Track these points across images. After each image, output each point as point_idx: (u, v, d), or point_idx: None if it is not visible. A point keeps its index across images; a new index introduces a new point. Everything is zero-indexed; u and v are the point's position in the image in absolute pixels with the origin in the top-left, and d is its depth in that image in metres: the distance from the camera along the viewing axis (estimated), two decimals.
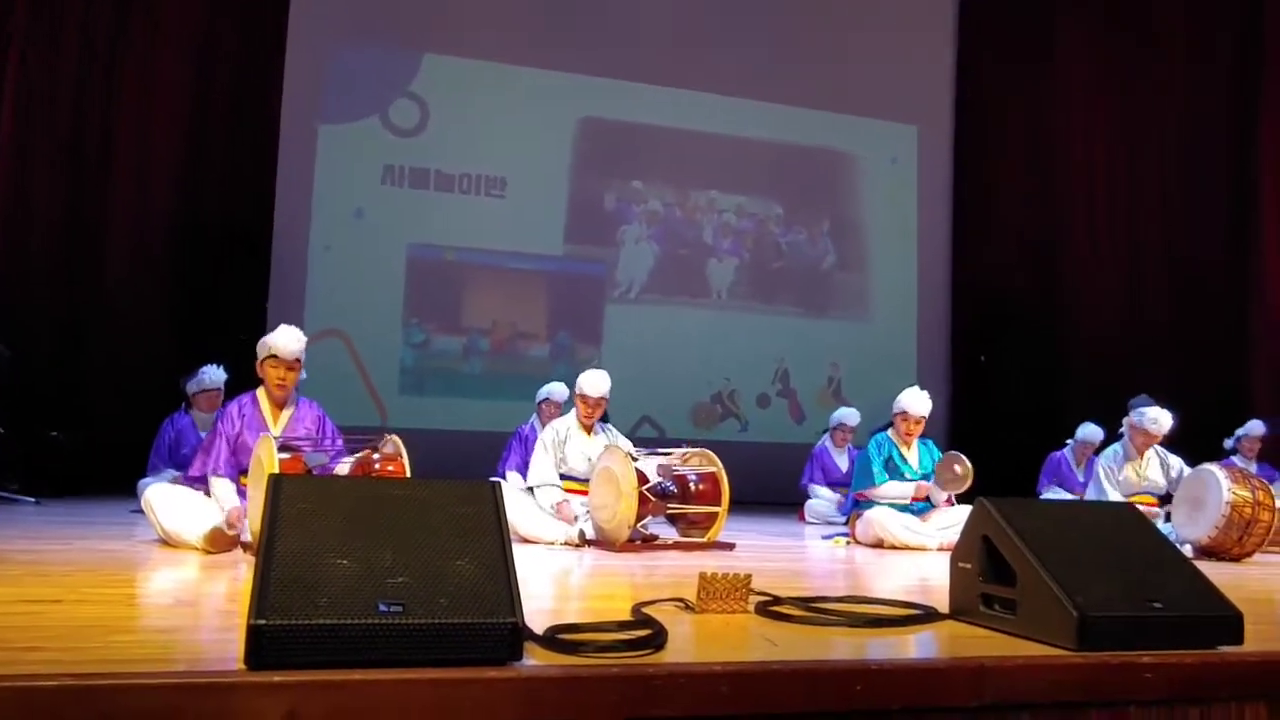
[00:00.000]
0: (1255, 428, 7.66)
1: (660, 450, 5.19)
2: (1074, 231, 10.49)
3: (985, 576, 2.43)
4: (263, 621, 1.67)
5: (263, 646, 1.66)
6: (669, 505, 4.82)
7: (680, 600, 2.63)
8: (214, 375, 6.36)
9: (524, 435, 6.99)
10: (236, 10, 8.70)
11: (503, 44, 9.58)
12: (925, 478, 5.39)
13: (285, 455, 3.83)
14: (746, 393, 10.08)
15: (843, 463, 7.72)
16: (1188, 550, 5.01)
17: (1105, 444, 6.12)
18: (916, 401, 5.50)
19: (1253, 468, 7.24)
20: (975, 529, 2.50)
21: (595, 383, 5.14)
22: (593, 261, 9.83)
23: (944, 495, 5.31)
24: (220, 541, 3.70)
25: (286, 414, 4.23)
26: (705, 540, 4.79)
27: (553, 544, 4.58)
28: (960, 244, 10.79)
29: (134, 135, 8.24)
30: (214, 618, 2.44)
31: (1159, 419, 5.65)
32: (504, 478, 6.37)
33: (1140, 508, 5.34)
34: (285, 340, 4.13)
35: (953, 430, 10.14)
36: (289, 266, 8.77)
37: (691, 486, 4.88)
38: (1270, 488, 5.17)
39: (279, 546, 1.85)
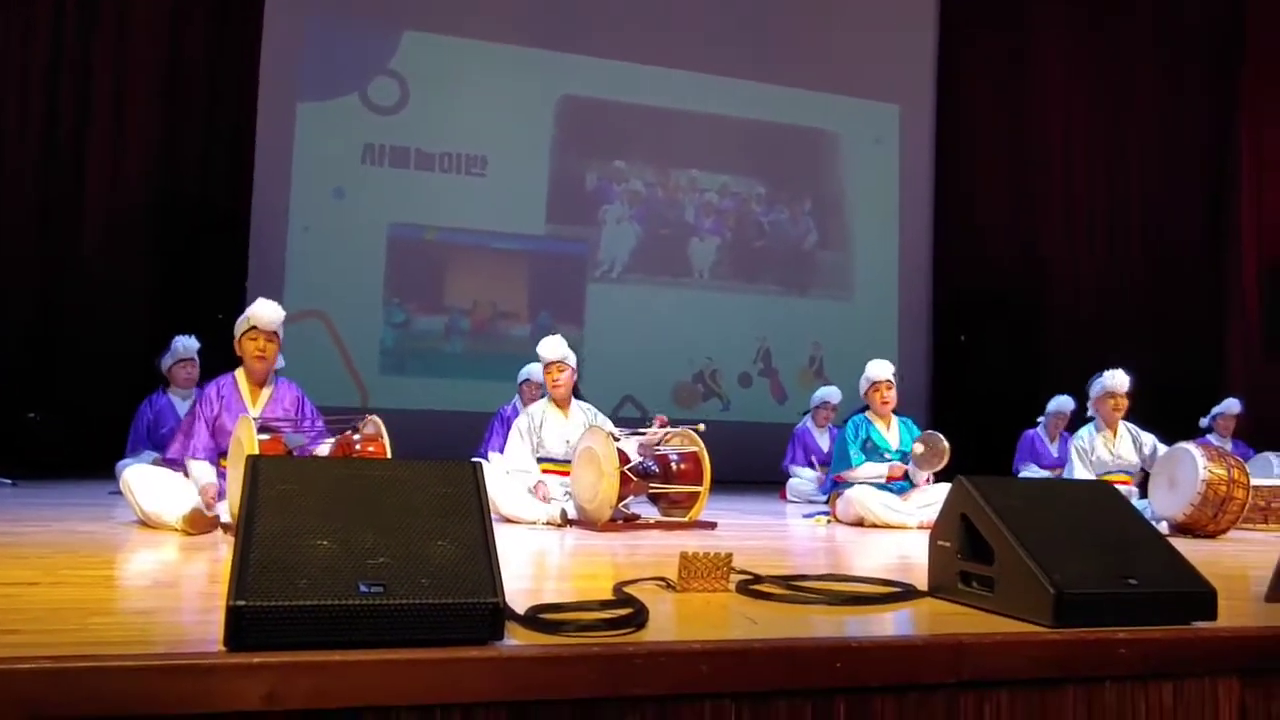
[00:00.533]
0: (1231, 406, 7.75)
1: (642, 430, 5.20)
2: (1053, 212, 10.54)
3: (963, 554, 2.45)
4: (242, 603, 1.67)
5: (242, 628, 1.65)
6: (651, 485, 4.83)
7: (662, 579, 2.64)
8: (186, 344, 6.31)
9: (506, 416, 6.97)
10: None
11: (483, 21, 9.49)
12: (904, 456, 5.42)
13: (265, 436, 3.81)
14: (728, 372, 10.10)
15: (824, 442, 7.75)
16: (1164, 527, 5.08)
17: (1076, 420, 6.18)
18: (878, 367, 5.57)
19: (1228, 445, 7.33)
20: (954, 507, 2.52)
21: (550, 346, 5.14)
22: (574, 241, 9.80)
23: (923, 474, 5.34)
24: (200, 523, 3.69)
25: (265, 394, 4.21)
26: (687, 520, 4.81)
27: (535, 524, 4.59)
28: (941, 223, 10.83)
29: (108, 114, 8.12)
30: (194, 599, 2.43)
31: (1115, 375, 5.76)
32: (486, 458, 6.35)
33: (1115, 486, 5.43)
34: (264, 310, 4.13)
35: (933, 409, 10.21)
36: (268, 246, 8.69)
37: (673, 466, 4.90)
38: (1245, 465, 5.23)
39: (258, 527, 1.84)
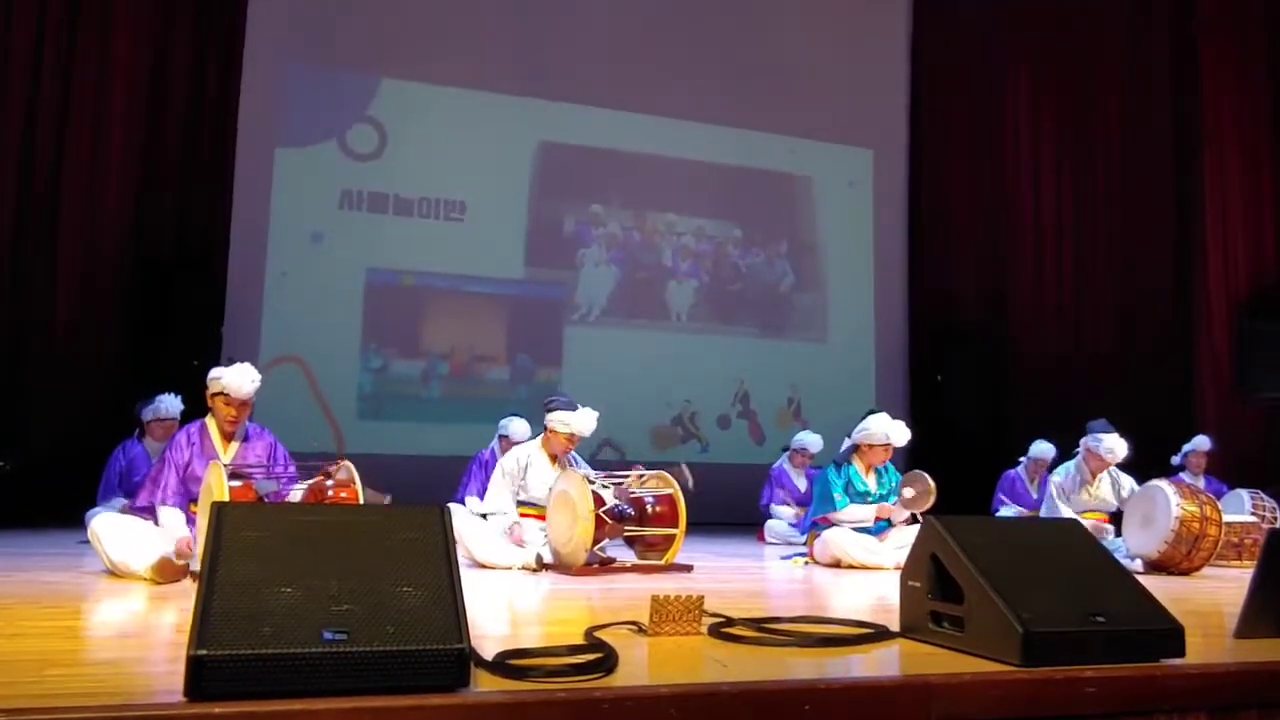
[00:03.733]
0: (1201, 443, 7.81)
1: (618, 474, 5.18)
2: (1024, 253, 10.67)
3: (934, 594, 2.46)
4: (204, 652, 1.65)
5: (203, 677, 1.64)
6: (626, 528, 4.81)
7: (634, 623, 2.62)
8: (170, 405, 6.27)
9: (484, 460, 6.95)
10: (190, 33, 8.61)
11: (461, 68, 9.60)
12: (884, 499, 5.42)
13: (236, 483, 3.78)
14: (707, 414, 10.12)
15: (800, 483, 7.76)
16: (1138, 565, 5.10)
17: (1057, 461, 6.21)
18: (899, 433, 5.38)
19: (1200, 483, 7.38)
20: (924, 547, 2.53)
21: (590, 424, 5.03)
22: (552, 284, 9.84)
23: (904, 514, 5.34)
24: (168, 571, 3.64)
25: (236, 443, 4.18)
26: (663, 562, 4.78)
27: (510, 569, 4.55)
28: (916, 265, 10.95)
29: (85, 156, 8.10)
30: (160, 649, 2.39)
31: (1114, 449, 5.71)
32: (464, 503, 6.32)
33: (1091, 523, 5.45)
34: (239, 380, 4.09)
35: (911, 449, 10.22)
36: (245, 291, 8.66)
37: (648, 509, 4.88)
38: (1217, 502, 5.27)
39: (221, 575, 1.83)
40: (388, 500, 4.04)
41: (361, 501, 3.90)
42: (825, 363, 10.51)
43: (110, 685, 1.89)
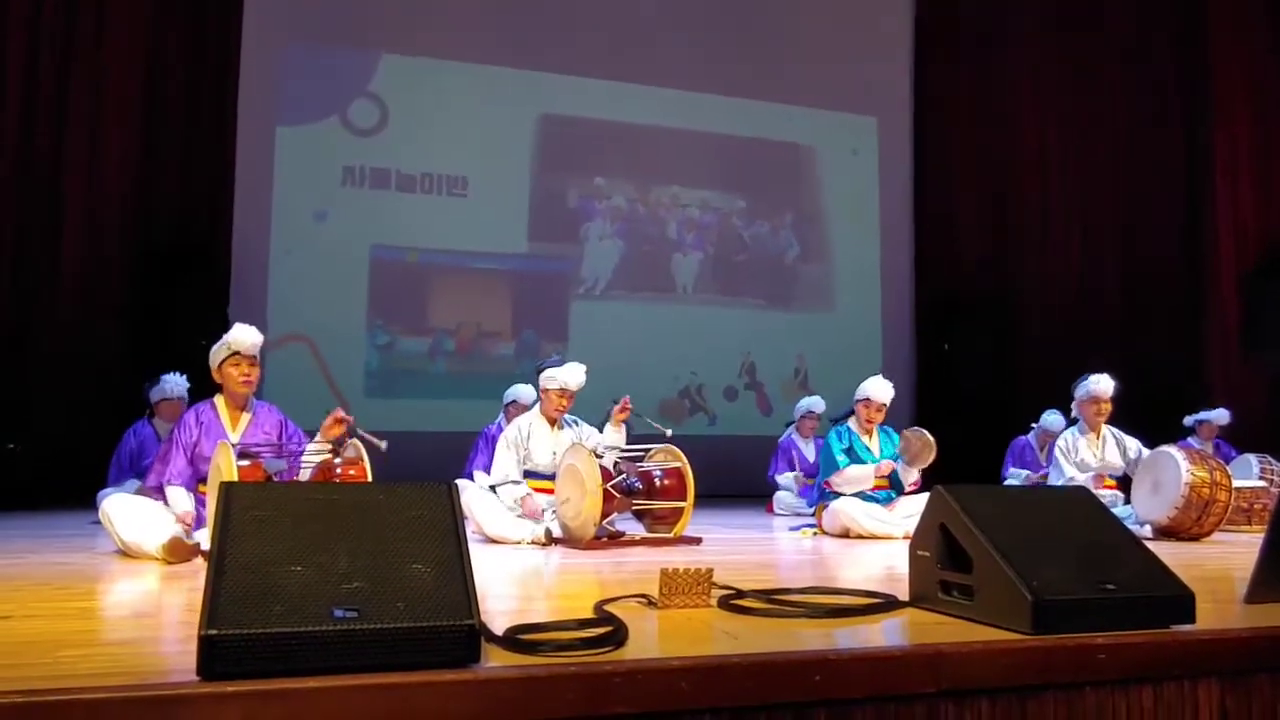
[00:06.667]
0: (1221, 416, 7.79)
1: (627, 448, 5.18)
2: (1030, 217, 10.60)
3: (943, 563, 2.45)
4: (215, 631, 1.66)
5: (215, 657, 1.64)
6: (634, 501, 4.82)
7: (643, 596, 2.63)
8: (175, 384, 6.29)
9: (491, 435, 6.94)
10: (188, 11, 8.56)
11: (461, 42, 9.52)
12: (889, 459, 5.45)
13: (244, 462, 3.79)
14: (714, 386, 10.11)
15: (810, 453, 7.75)
16: (1147, 531, 5.10)
17: None
18: (880, 388, 5.59)
19: (1209, 448, 7.37)
20: (932, 517, 2.52)
21: (577, 375, 5.09)
22: (557, 259, 9.81)
23: (913, 474, 5.35)
24: (180, 551, 3.65)
25: (245, 419, 4.19)
26: (672, 535, 4.80)
27: (519, 543, 4.57)
28: (921, 233, 10.89)
29: (85, 140, 8.08)
30: (173, 629, 2.41)
31: (1100, 380, 5.80)
32: (471, 478, 6.33)
33: (1099, 490, 5.44)
34: (245, 335, 4.13)
35: (918, 418, 10.21)
36: (249, 271, 8.66)
37: (657, 482, 4.89)
38: (1226, 468, 5.26)
39: (231, 555, 1.83)
40: (384, 445, 4.09)
41: (369, 475, 3.92)
42: (831, 333, 10.47)
43: (124, 665, 1.90)
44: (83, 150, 8.07)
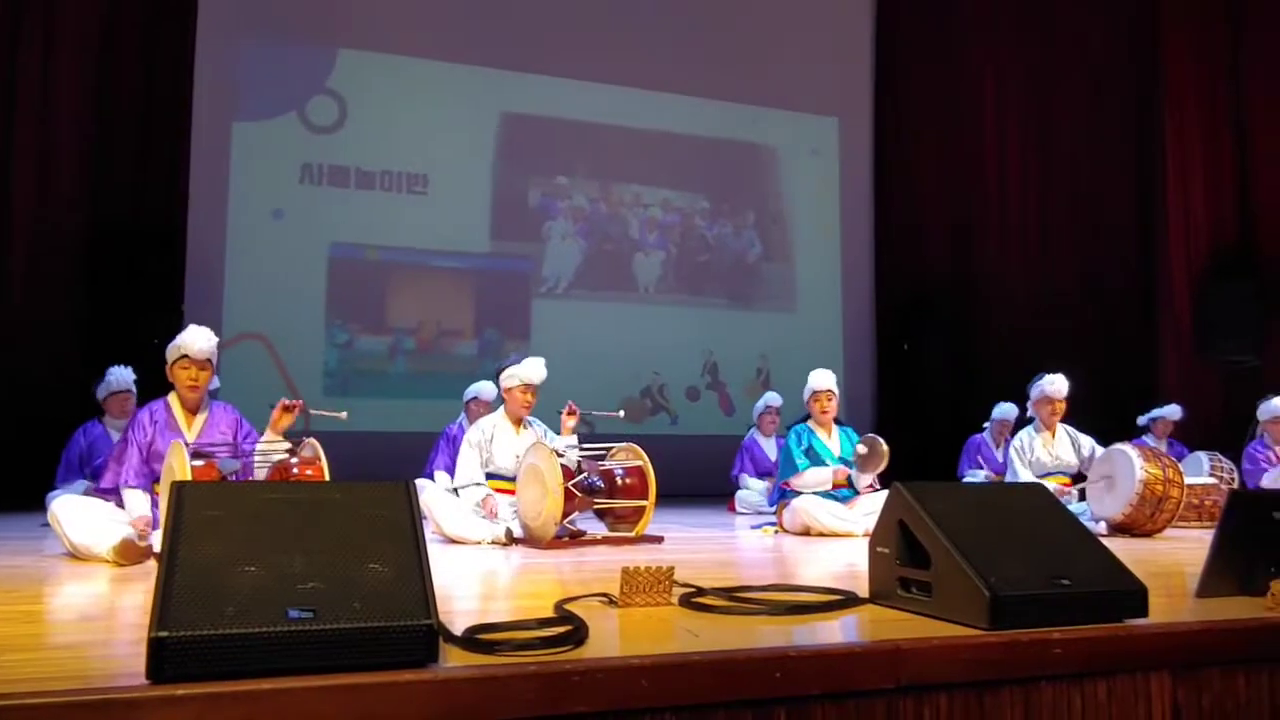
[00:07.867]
0: (1173, 412, 7.92)
1: (587, 446, 5.17)
2: (990, 219, 10.73)
3: (901, 560, 2.47)
4: (165, 633, 1.62)
5: (165, 659, 1.61)
6: (596, 500, 4.81)
7: (604, 595, 2.62)
8: (121, 376, 6.15)
9: (452, 435, 6.90)
10: (141, 4, 8.40)
11: (422, 39, 9.45)
12: (845, 463, 5.48)
13: (198, 462, 3.73)
14: (676, 386, 10.12)
15: (772, 452, 7.77)
16: (1102, 528, 5.18)
17: (1020, 426, 6.29)
18: (819, 376, 5.67)
19: (1163, 446, 7.50)
20: (891, 513, 2.54)
21: (538, 369, 5.09)
22: (519, 258, 9.76)
23: (866, 479, 5.39)
24: (131, 553, 3.58)
25: (200, 419, 4.12)
26: (634, 534, 4.79)
27: (479, 543, 4.54)
28: (882, 233, 10.99)
29: (34, 135, 7.90)
30: (123, 631, 2.35)
31: (1054, 381, 5.89)
32: (432, 478, 6.28)
33: (1053, 487, 5.52)
34: (196, 338, 4.06)
35: (879, 417, 10.31)
36: (205, 269, 8.52)
37: (618, 481, 4.88)
38: (1179, 465, 5.36)
39: (182, 555, 1.80)
40: (344, 415, 4.07)
41: (326, 475, 3.87)
42: (794, 333, 10.53)
43: (70, 669, 1.85)
44: (31, 145, 7.90)
